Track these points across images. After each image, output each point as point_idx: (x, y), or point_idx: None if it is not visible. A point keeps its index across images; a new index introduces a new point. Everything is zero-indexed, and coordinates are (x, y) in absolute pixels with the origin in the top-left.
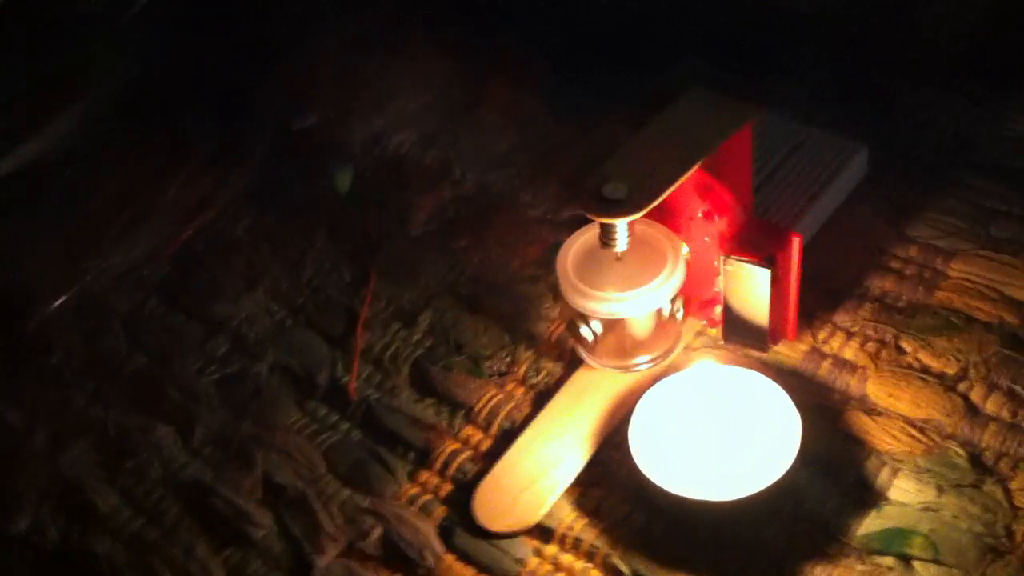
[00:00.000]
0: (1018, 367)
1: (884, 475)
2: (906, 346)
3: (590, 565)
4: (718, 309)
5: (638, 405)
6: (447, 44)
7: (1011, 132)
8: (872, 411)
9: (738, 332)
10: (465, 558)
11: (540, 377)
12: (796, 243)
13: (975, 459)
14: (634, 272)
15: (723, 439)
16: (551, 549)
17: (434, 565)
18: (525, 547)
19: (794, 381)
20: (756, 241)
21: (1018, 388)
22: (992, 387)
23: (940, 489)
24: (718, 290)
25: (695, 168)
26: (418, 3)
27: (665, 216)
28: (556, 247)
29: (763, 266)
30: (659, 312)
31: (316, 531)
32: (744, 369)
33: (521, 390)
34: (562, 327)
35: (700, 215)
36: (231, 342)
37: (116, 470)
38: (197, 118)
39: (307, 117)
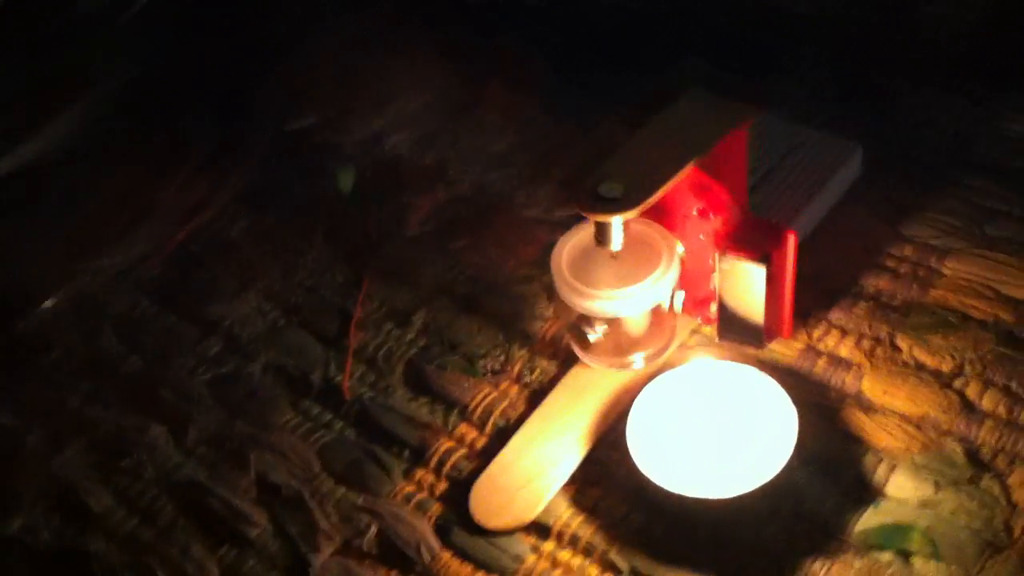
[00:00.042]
0: (1014, 364)
1: (881, 472)
2: (901, 344)
3: (588, 562)
4: (713, 307)
5: (636, 402)
6: (446, 44)
7: (1009, 132)
8: (868, 408)
9: (733, 330)
10: (462, 555)
11: (535, 375)
12: (791, 241)
13: (972, 455)
14: (629, 270)
15: (721, 436)
16: (548, 546)
17: (431, 562)
18: (523, 544)
19: (790, 379)
20: (752, 239)
21: (1014, 385)
22: (988, 384)
23: (937, 485)
24: (713, 288)
25: (690, 167)
26: (418, 3)
27: (661, 215)
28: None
29: (759, 263)
30: (658, 307)
31: (312, 530)
32: (741, 364)
33: (516, 388)
34: (557, 326)
35: (695, 213)
36: (224, 342)
37: (110, 470)
38: (196, 118)
39: (306, 117)
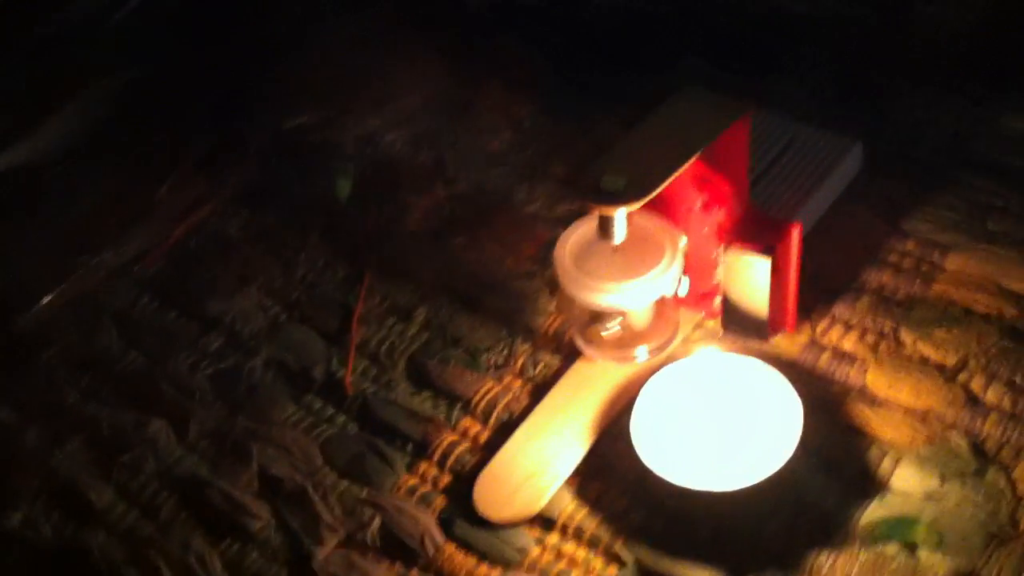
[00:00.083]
0: (1018, 357)
1: (886, 465)
2: (905, 338)
3: (592, 554)
4: (717, 300)
5: (640, 394)
6: (446, 44)
7: (1009, 131)
8: (873, 402)
9: (737, 323)
10: (466, 547)
11: (538, 370)
12: (796, 233)
13: (977, 448)
14: (633, 264)
15: (725, 429)
16: (553, 539)
17: (434, 555)
18: (527, 537)
19: (793, 373)
20: (756, 231)
21: (1018, 379)
22: (992, 377)
23: (943, 478)
24: (717, 281)
25: (692, 160)
26: (418, 3)
27: (663, 209)
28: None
29: (763, 255)
30: (662, 301)
31: (315, 523)
32: (745, 356)
33: (519, 383)
34: (559, 321)
35: (698, 207)
36: (225, 338)
37: (111, 465)
38: (195, 117)
39: (305, 116)
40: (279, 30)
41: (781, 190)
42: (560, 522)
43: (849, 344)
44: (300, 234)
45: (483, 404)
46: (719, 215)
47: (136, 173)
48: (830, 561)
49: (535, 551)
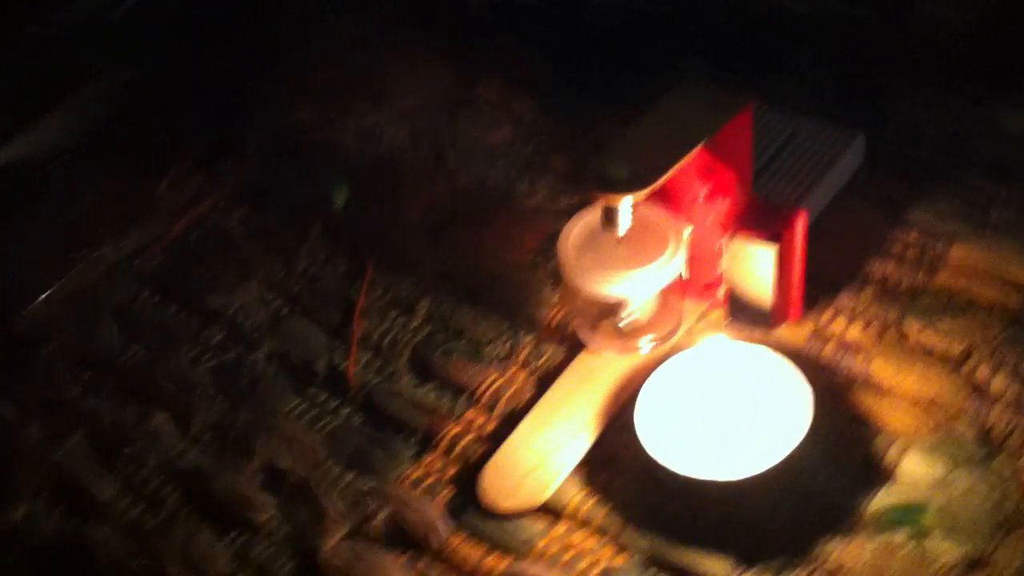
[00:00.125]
0: (1023, 347)
1: (893, 453)
2: (910, 328)
3: (602, 543)
4: (721, 290)
5: (645, 384)
6: (446, 44)
7: (1009, 131)
8: (878, 391)
9: (741, 313)
10: (474, 538)
11: (542, 361)
12: (801, 220)
13: (983, 436)
14: (637, 254)
15: (731, 418)
16: (561, 527)
17: (441, 546)
18: (534, 527)
19: (798, 363)
20: (761, 220)
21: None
22: (997, 366)
23: (950, 466)
24: (721, 271)
25: (697, 149)
26: (418, 4)
27: (667, 199)
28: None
29: (769, 243)
30: (665, 292)
31: (320, 515)
32: (753, 344)
33: (523, 374)
34: (563, 312)
35: (703, 197)
36: (226, 332)
37: (113, 459)
38: (195, 116)
39: (306, 113)
40: (279, 29)
41: (783, 183)
42: (567, 512)
43: (853, 334)
44: (301, 228)
45: (487, 395)
46: (723, 205)
47: (136, 171)
48: (838, 549)
49: (542, 541)
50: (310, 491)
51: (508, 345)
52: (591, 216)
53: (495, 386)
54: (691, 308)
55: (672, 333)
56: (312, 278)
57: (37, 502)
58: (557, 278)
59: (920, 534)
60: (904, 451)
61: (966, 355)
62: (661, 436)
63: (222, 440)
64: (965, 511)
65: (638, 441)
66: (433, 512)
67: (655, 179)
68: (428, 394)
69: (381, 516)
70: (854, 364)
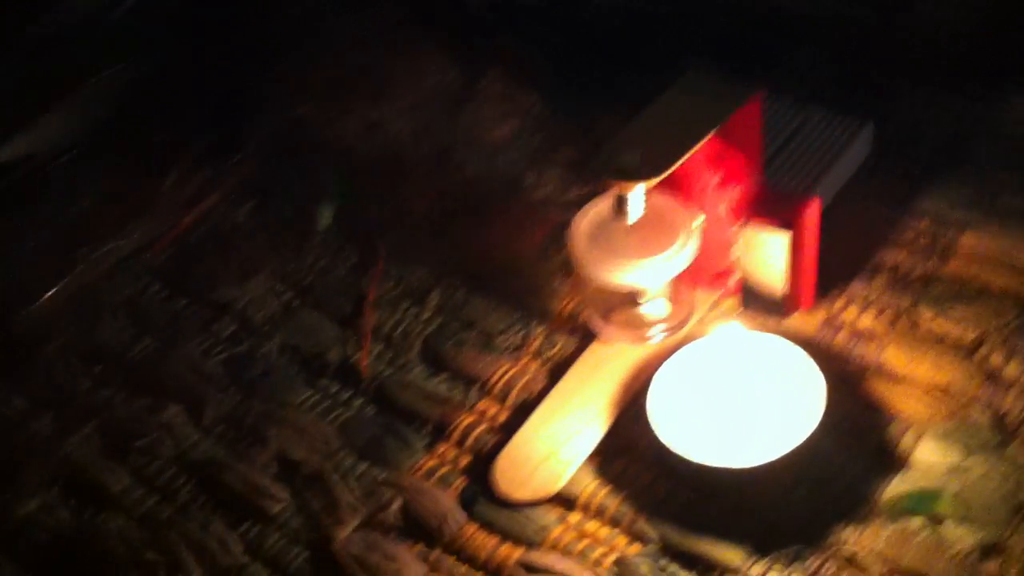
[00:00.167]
0: None
1: (908, 439)
2: (923, 315)
3: (615, 531)
4: (733, 279)
5: (658, 373)
6: (446, 44)
7: (1009, 130)
8: (892, 378)
9: (754, 301)
10: (488, 527)
11: (555, 351)
12: (814, 207)
13: (998, 422)
14: (649, 242)
15: (744, 406)
16: (575, 517)
17: (455, 535)
18: (549, 515)
19: (811, 351)
20: (773, 207)
21: None
22: (1011, 353)
23: (965, 452)
24: (733, 259)
25: (709, 136)
26: (418, 4)
27: (678, 188)
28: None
29: (782, 230)
30: (677, 281)
31: (334, 504)
32: (766, 334)
33: (536, 364)
34: (574, 302)
35: (714, 185)
36: (238, 324)
37: (126, 451)
38: (198, 112)
39: (308, 110)
40: (280, 29)
41: (793, 172)
42: (582, 500)
43: (866, 322)
44: (310, 221)
45: (500, 385)
46: (735, 193)
47: (138, 170)
48: (854, 535)
49: (557, 529)
50: (323, 481)
51: (520, 335)
52: (602, 205)
53: (507, 376)
54: (703, 297)
55: (684, 322)
56: (323, 270)
57: (50, 494)
58: (568, 268)
59: (935, 521)
60: (918, 438)
61: (979, 342)
62: (674, 424)
63: (235, 431)
64: (980, 497)
65: (651, 430)
66: (446, 502)
67: (667, 167)
68: (440, 385)
69: (394, 506)
70: (867, 352)
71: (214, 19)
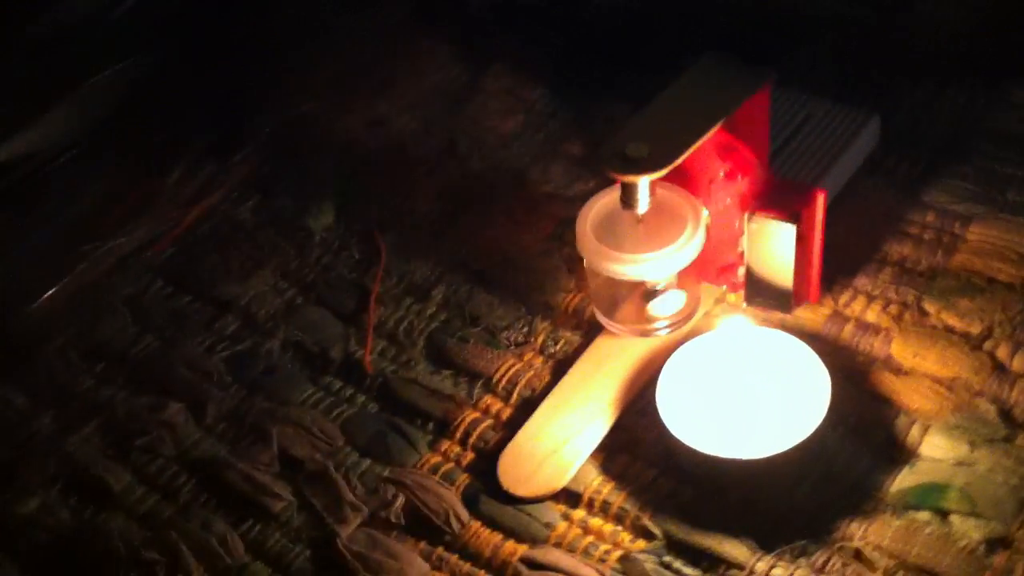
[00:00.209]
0: None
1: (915, 432)
2: (929, 307)
3: (620, 528)
4: (740, 271)
5: (665, 366)
6: (447, 43)
7: (1009, 129)
8: (898, 371)
9: (760, 294)
10: (492, 524)
11: (559, 346)
12: (821, 199)
13: (1005, 414)
14: (656, 235)
15: (751, 400)
16: (579, 513)
17: (459, 532)
18: (553, 512)
19: (817, 344)
20: (780, 199)
21: None
22: (1018, 345)
23: (972, 444)
24: (740, 251)
25: (716, 127)
26: (418, 4)
27: (685, 180)
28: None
29: (789, 222)
30: (684, 274)
31: (337, 502)
32: (771, 329)
33: (540, 359)
34: (579, 297)
35: (722, 175)
36: (240, 321)
37: (127, 449)
38: (202, 107)
39: (311, 106)
40: (281, 27)
41: (799, 165)
42: (586, 496)
43: (873, 315)
44: (314, 217)
45: (504, 381)
46: (742, 184)
47: (139, 168)
48: (862, 529)
49: (562, 526)
50: (327, 479)
51: (524, 331)
52: (609, 198)
53: (512, 372)
54: (709, 291)
55: (690, 316)
56: (325, 267)
57: (51, 493)
58: (573, 263)
59: (943, 514)
60: (926, 431)
61: (986, 334)
62: (681, 418)
63: (237, 429)
64: (988, 490)
65: (657, 426)
66: (451, 498)
67: (675, 158)
68: (444, 381)
69: (397, 504)
70: (874, 345)
71: (214, 19)
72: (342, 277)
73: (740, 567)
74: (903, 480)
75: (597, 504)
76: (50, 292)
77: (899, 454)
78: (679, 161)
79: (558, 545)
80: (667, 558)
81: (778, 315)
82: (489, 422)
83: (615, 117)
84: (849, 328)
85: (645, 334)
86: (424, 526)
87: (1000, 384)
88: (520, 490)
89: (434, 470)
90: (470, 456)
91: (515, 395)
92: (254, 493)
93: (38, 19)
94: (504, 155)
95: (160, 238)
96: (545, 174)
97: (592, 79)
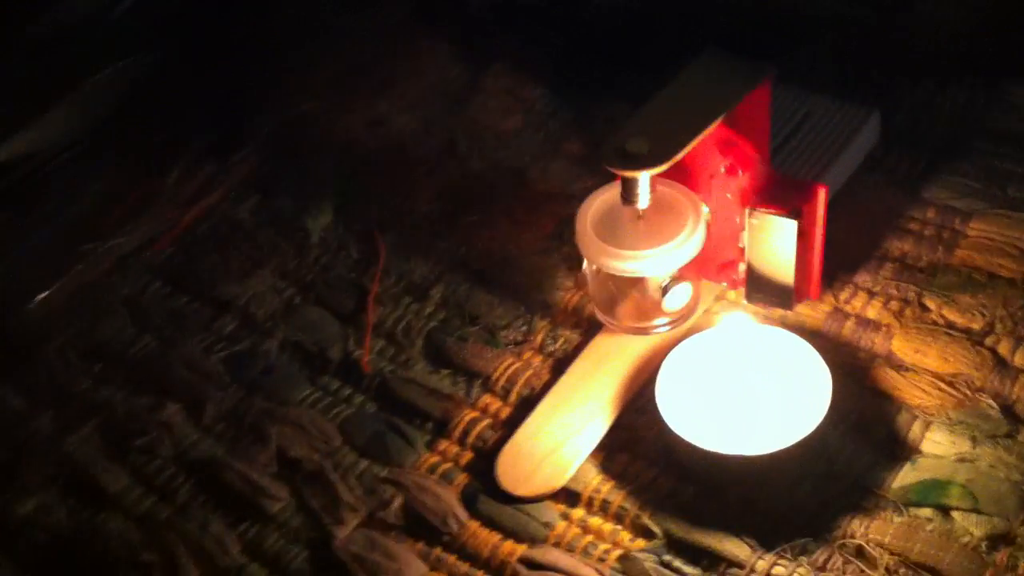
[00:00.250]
0: None
1: (916, 429)
2: (930, 304)
3: (619, 527)
4: (741, 268)
5: (665, 362)
6: (447, 43)
7: (1009, 128)
8: (900, 368)
9: (761, 291)
10: (490, 524)
11: (558, 345)
12: (822, 195)
13: (1007, 410)
14: (656, 231)
15: (751, 397)
16: (578, 512)
17: (458, 532)
18: (552, 511)
19: (818, 341)
20: (781, 194)
21: None
22: (1020, 341)
23: (974, 440)
24: (741, 247)
25: (716, 123)
26: (418, 4)
27: (685, 176)
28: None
29: (790, 218)
30: (683, 271)
31: (335, 503)
32: (772, 326)
33: (539, 358)
34: (578, 296)
35: (723, 171)
36: (239, 321)
37: (125, 449)
38: (201, 108)
39: (311, 105)
40: (281, 27)
41: (800, 161)
42: (586, 496)
43: (873, 311)
44: (312, 217)
45: (503, 380)
46: (743, 180)
47: (139, 168)
48: (863, 526)
49: (561, 525)
50: (325, 479)
51: (523, 330)
52: (609, 194)
53: (511, 371)
54: (709, 287)
55: (690, 314)
56: (324, 267)
57: (49, 494)
58: (572, 262)
59: (945, 510)
60: (927, 427)
61: (987, 330)
62: (681, 415)
63: (235, 430)
64: (990, 486)
65: (656, 424)
66: (449, 498)
67: (675, 154)
68: (443, 380)
69: (397, 503)
70: (875, 341)
71: (214, 19)
72: (341, 277)
73: (740, 566)
74: (905, 477)
75: (596, 503)
76: (49, 292)
77: (900, 451)
78: (679, 157)
79: (557, 545)
80: (667, 557)
81: (779, 312)
82: (488, 421)
83: (615, 117)
84: (850, 325)
85: (644, 332)
86: (422, 526)
87: (1002, 380)
88: (519, 489)
89: (432, 470)
90: (469, 455)
91: (514, 394)
92: (252, 494)
93: (38, 19)
94: (504, 155)
95: (159, 238)
96: (545, 174)
97: (592, 79)
